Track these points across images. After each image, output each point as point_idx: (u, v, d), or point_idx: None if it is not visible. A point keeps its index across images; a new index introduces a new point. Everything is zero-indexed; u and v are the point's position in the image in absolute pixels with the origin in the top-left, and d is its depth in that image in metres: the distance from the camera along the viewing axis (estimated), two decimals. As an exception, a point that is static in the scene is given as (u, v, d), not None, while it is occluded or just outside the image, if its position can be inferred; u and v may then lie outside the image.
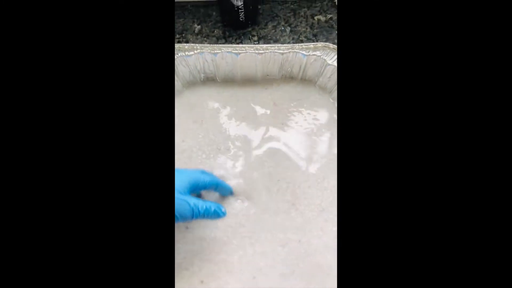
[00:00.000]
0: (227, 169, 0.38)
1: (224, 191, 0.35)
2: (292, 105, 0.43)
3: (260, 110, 0.42)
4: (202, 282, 0.31)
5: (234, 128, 0.41)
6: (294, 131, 0.41)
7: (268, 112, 0.42)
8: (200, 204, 0.29)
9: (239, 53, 0.40)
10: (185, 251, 0.32)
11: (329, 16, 0.50)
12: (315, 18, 0.50)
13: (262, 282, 0.30)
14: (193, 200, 0.28)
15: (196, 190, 0.31)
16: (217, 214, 0.30)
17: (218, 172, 0.37)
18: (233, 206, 0.35)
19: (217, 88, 0.44)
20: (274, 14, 0.51)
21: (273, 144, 0.40)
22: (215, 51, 0.40)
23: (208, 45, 0.41)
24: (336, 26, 0.49)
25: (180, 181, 0.29)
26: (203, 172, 0.33)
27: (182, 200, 0.27)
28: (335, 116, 0.42)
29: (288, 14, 0.51)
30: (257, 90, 0.44)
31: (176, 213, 0.27)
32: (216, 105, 0.43)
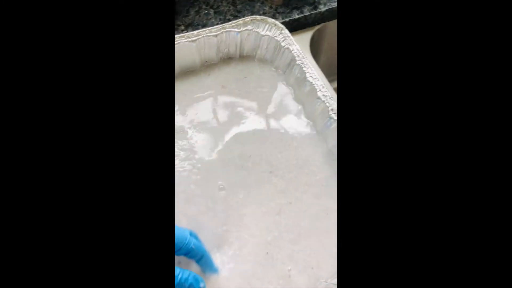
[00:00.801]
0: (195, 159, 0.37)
1: (208, 268, 0.29)
2: (240, 83, 0.42)
3: (208, 97, 0.41)
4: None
5: (187, 121, 0.40)
6: (249, 107, 0.41)
7: (218, 96, 0.41)
8: (185, 276, 0.24)
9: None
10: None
11: (246, -10, 0.50)
12: (234, -6, 0.50)
13: (277, 254, 0.31)
14: (178, 272, 0.24)
15: (176, 253, 0.26)
16: (193, 286, 0.24)
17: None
18: (221, 198, 0.35)
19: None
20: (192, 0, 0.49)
21: (234, 127, 0.40)
22: (146, 50, 0.38)
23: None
24: (256, -2, 0.49)
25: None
26: (191, 234, 0.28)
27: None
28: (283, 84, 0.42)
29: (206, -4, 0.49)
30: (200, 79, 0.42)
31: None
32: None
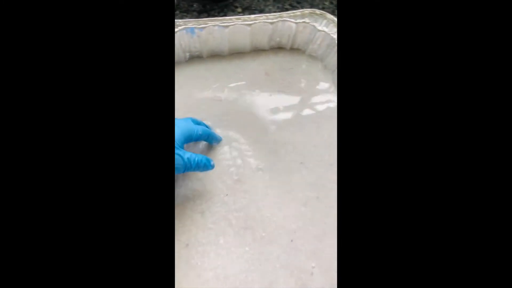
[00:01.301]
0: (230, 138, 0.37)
1: (214, 140, 0.36)
2: (284, 73, 0.42)
3: (252, 80, 0.41)
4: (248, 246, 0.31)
5: (229, 102, 0.40)
6: (291, 97, 0.41)
7: (261, 81, 0.41)
8: (192, 158, 0.29)
9: (227, 26, 0.38)
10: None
11: (309, -19, 0.49)
12: (296, -16, 0.49)
13: (301, 246, 0.31)
14: (186, 155, 0.29)
15: (189, 141, 0.31)
16: (206, 167, 0.31)
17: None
18: (250, 177, 0.35)
19: (205, 65, 0.42)
20: (254, -17, 0.48)
21: (273, 112, 0.39)
22: (201, 26, 0.38)
23: (193, 19, 0.38)
24: (318, -9, 0.48)
25: (175, 134, 0.29)
26: (194, 121, 0.34)
27: (177, 155, 0.28)
28: (331, 82, 0.41)
29: (268, -18, 0.49)
30: (246, 62, 0.42)
31: None
32: (207, 81, 0.41)
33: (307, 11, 0.40)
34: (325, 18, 0.40)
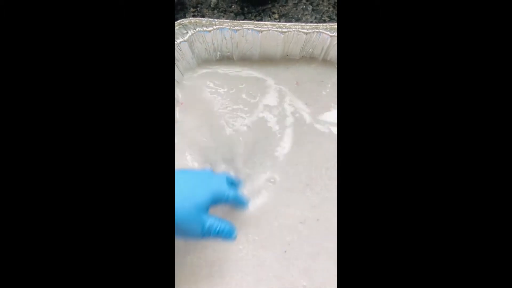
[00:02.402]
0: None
1: (240, 206, 0.32)
2: (315, 84, 0.41)
3: (283, 89, 0.41)
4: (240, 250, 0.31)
5: (251, 106, 0.40)
6: (318, 111, 0.40)
7: (291, 91, 0.41)
8: (214, 226, 0.26)
9: (261, 31, 0.38)
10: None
11: (352, -5, 0.48)
12: (338, -4, 0.48)
13: (294, 260, 0.30)
14: (208, 222, 0.26)
15: (216, 203, 0.27)
16: (227, 238, 0.27)
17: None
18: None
19: (234, 67, 0.42)
20: (295, -9, 0.48)
21: (291, 127, 0.39)
22: (235, 28, 0.38)
23: (228, 21, 0.39)
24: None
25: (206, 196, 0.25)
26: (228, 180, 0.30)
27: (198, 222, 0.25)
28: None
29: (310, -9, 0.48)
30: (278, 69, 0.42)
31: (185, 230, 0.24)
32: (234, 84, 0.41)
33: (344, 25, 0.39)
34: (363, 34, 0.39)
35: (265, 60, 0.42)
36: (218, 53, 0.42)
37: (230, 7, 0.46)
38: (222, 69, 0.42)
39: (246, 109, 0.40)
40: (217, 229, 0.26)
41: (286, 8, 0.46)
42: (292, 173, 0.36)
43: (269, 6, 0.46)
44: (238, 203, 0.31)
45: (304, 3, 0.47)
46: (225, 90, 0.41)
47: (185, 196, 0.24)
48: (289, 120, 0.39)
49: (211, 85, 0.41)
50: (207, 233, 0.26)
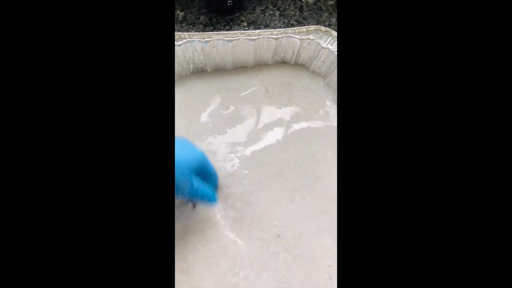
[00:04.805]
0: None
1: (207, 199, 0.31)
2: (284, 89, 0.42)
3: (250, 97, 0.41)
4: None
5: (226, 117, 0.40)
6: (286, 113, 0.40)
7: (261, 98, 0.41)
8: (200, 187, 0.29)
9: (231, 41, 0.38)
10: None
11: (317, -3, 0.49)
12: (303, 0, 0.49)
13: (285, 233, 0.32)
14: (195, 182, 0.28)
15: (198, 172, 0.29)
16: (209, 200, 0.31)
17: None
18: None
19: (206, 79, 0.42)
20: (261, -2, 0.49)
21: (263, 136, 0.39)
22: (205, 39, 0.38)
23: (197, 33, 0.39)
24: (324, 8, 0.48)
25: (193, 160, 0.28)
26: (206, 158, 0.32)
27: (187, 180, 0.27)
28: (332, 100, 0.41)
29: (275, -3, 0.49)
30: (247, 77, 0.42)
31: (178, 187, 0.26)
32: (208, 95, 0.41)
33: (312, 27, 0.40)
34: (330, 35, 0.40)
35: (237, 68, 0.42)
36: (191, 66, 0.41)
37: (199, 18, 0.46)
38: (196, 82, 0.42)
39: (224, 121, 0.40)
40: (203, 191, 0.29)
41: (254, 15, 0.47)
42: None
43: (237, 14, 0.47)
44: (206, 196, 0.31)
45: (271, 9, 0.48)
46: (204, 101, 0.41)
47: (178, 154, 0.26)
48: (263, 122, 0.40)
49: (189, 97, 0.41)
50: (194, 193, 0.28)
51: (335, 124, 0.39)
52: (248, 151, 0.37)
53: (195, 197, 0.29)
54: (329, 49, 0.39)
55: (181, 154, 0.26)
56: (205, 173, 0.31)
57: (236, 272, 0.31)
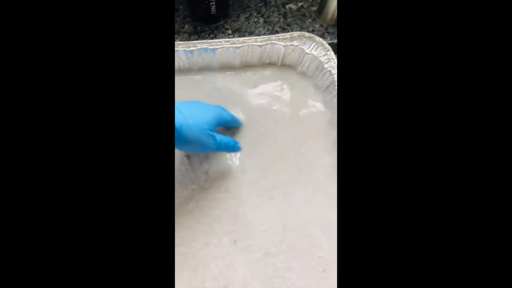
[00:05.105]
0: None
1: (237, 125, 0.39)
2: (272, 85, 0.42)
3: (241, 90, 0.42)
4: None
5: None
6: (274, 111, 0.41)
7: (250, 93, 0.41)
8: (224, 140, 0.32)
9: (216, 49, 0.39)
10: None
11: (299, 4, 0.50)
12: (287, 7, 0.49)
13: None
14: (218, 137, 0.31)
15: (219, 125, 0.33)
16: (234, 149, 0.35)
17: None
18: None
19: (193, 76, 0.42)
20: (245, 5, 0.49)
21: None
22: (190, 48, 0.39)
23: (182, 42, 0.39)
24: (308, 14, 0.49)
25: (210, 117, 0.31)
26: (222, 109, 0.36)
27: (210, 136, 0.30)
28: (319, 100, 0.41)
29: (259, 4, 0.49)
30: (236, 74, 0.42)
31: (203, 144, 0.30)
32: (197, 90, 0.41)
33: (296, 34, 0.41)
34: (314, 41, 0.40)
35: (223, 69, 0.42)
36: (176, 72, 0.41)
37: (183, 27, 0.47)
38: (183, 81, 0.42)
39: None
40: (226, 142, 0.32)
41: (239, 22, 0.47)
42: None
43: (222, 22, 0.47)
44: (236, 123, 0.38)
45: (256, 16, 0.48)
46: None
47: (196, 116, 0.29)
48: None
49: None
50: (219, 146, 0.31)
51: (321, 112, 0.40)
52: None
53: (220, 150, 0.32)
54: (313, 54, 0.40)
55: (198, 114, 0.30)
56: (227, 122, 0.35)
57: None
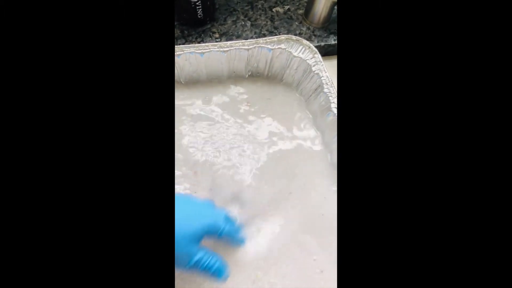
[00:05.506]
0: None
1: (236, 242, 0.30)
2: (264, 104, 0.42)
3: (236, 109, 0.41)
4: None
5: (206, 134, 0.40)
6: (268, 127, 0.41)
7: (244, 111, 0.41)
8: (203, 260, 0.25)
9: (203, 53, 0.38)
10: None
11: (286, 7, 0.50)
12: (274, 10, 0.50)
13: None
14: (198, 255, 0.25)
15: (209, 236, 0.26)
16: (216, 276, 0.26)
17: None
18: None
19: (182, 90, 0.42)
20: (232, 9, 0.49)
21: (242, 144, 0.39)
22: (177, 53, 0.38)
23: (168, 46, 0.38)
24: (295, 17, 0.49)
25: (196, 227, 0.25)
26: (226, 218, 0.28)
27: (186, 253, 0.24)
28: (305, 111, 0.42)
29: (246, 8, 0.49)
30: (228, 89, 0.42)
31: (176, 261, 0.23)
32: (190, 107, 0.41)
33: (283, 37, 0.41)
34: (301, 44, 0.40)
35: (211, 80, 0.42)
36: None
37: (170, 31, 0.46)
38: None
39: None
40: (206, 264, 0.25)
41: (226, 26, 0.47)
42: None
43: (209, 26, 0.47)
44: (234, 240, 0.30)
45: (243, 19, 0.48)
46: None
47: (178, 223, 0.23)
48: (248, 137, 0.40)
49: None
50: (194, 267, 0.25)
51: (308, 141, 0.40)
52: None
53: (197, 270, 0.25)
54: (300, 57, 0.40)
55: (183, 221, 0.24)
56: (221, 233, 0.27)
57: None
